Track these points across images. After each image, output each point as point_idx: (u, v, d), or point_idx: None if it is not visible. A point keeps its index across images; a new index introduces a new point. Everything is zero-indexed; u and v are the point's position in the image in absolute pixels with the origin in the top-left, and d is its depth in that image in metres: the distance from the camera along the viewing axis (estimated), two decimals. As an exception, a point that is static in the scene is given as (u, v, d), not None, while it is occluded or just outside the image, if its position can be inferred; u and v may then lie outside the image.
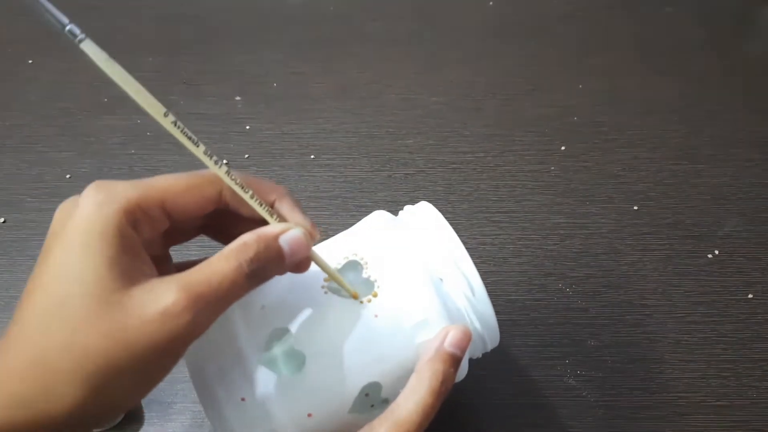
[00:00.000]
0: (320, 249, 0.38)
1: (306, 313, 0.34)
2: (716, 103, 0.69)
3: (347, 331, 0.34)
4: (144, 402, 0.48)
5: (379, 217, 0.39)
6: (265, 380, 0.33)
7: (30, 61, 0.72)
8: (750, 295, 0.54)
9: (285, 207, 0.33)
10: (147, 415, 0.47)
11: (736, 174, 0.63)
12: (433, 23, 0.77)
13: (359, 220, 0.40)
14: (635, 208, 0.60)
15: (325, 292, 0.35)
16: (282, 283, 0.35)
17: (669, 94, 0.70)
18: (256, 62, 0.73)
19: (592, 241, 0.57)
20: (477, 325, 0.36)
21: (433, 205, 0.39)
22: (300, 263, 0.32)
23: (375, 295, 0.34)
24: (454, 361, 0.34)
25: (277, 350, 0.33)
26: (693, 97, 0.69)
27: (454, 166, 0.63)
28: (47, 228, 0.29)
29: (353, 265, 0.36)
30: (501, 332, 0.38)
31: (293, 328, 0.34)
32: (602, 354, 0.51)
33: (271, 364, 0.33)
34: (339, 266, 0.36)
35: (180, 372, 0.34)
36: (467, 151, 0.64)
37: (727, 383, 0.49)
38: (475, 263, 0.36)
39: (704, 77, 0.71)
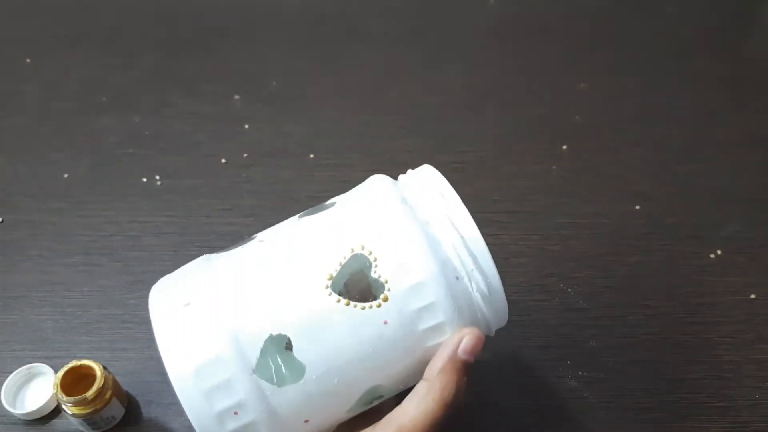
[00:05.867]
0: (320, 234, 0.34)
1: (307, 318, 0.32)
2: (718, 103, 0.69)
3: (353, 340, 0.32)
4: (143, 403, 0.48)
5: (381, 188, 0.36)
6: (260, 390, 0.31)
7: (28, 60, 0.72)
8: (752, 296, 0.54)
9: None
10: (146, 416, 0.47)
11: (738, 174, 0.62)
12: (433, 23, 0.77)
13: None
14: (637, 208, 0.59)
15: (330, 294, 0.32)
16: (281, 284, 0.33)
17: (670, 94, 0.70)
18: (255, 61, 0.72)
19: (594, 241, 0.57)
20: (491, 321, 0.34)
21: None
22: None
23: (385, 299, 0.32)
24: (468, 369, 0.33)
25: (275, 359, 0.31)
26: (695, 97, 0.69)
27: (455, 165, 0.62)
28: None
29: (361, 260, 0.32)
30: (502, 334, 0.37)
31: (293, 335, 0.31)
32: (604, 355, 0.50)
33: (267, 374, 0.31)
34: (344, 260, 0.33)
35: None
36: (467, 151, 0.64)
37: (729, 384, 0.49)
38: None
39: (706, 77, 0.71)
